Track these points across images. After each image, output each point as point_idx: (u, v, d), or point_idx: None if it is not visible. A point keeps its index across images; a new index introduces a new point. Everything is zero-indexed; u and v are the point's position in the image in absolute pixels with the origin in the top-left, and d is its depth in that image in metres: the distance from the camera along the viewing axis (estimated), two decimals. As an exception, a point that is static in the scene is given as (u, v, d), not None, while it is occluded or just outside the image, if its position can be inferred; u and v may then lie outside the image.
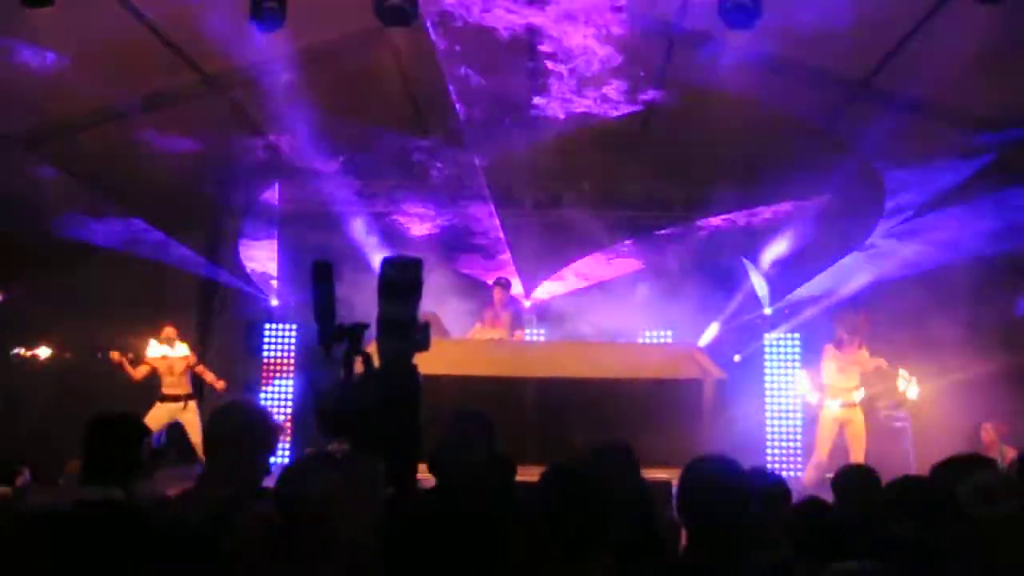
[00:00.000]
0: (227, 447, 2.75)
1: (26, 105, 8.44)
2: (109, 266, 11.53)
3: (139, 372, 9.01)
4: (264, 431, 2.83)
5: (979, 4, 6.61)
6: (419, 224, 11.91)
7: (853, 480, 3.85)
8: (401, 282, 2.92)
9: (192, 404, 9.00)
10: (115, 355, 8.98)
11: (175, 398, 8.95)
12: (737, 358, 10.92)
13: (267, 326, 11.62)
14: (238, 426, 2.77)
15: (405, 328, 2.91)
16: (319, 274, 2.97)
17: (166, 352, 9.09)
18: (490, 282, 10.79)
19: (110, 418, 3.15)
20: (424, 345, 2.93)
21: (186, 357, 9.19)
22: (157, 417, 8.74)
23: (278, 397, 11.27)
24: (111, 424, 3.12)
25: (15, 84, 7.99)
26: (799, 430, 10.86)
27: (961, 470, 2.85)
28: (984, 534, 2.43)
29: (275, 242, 12.04)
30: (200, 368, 9.28)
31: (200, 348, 10.83)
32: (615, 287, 11.55)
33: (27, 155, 9.12)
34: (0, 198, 9.24)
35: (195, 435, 8.68)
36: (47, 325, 10.88)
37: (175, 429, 9.06)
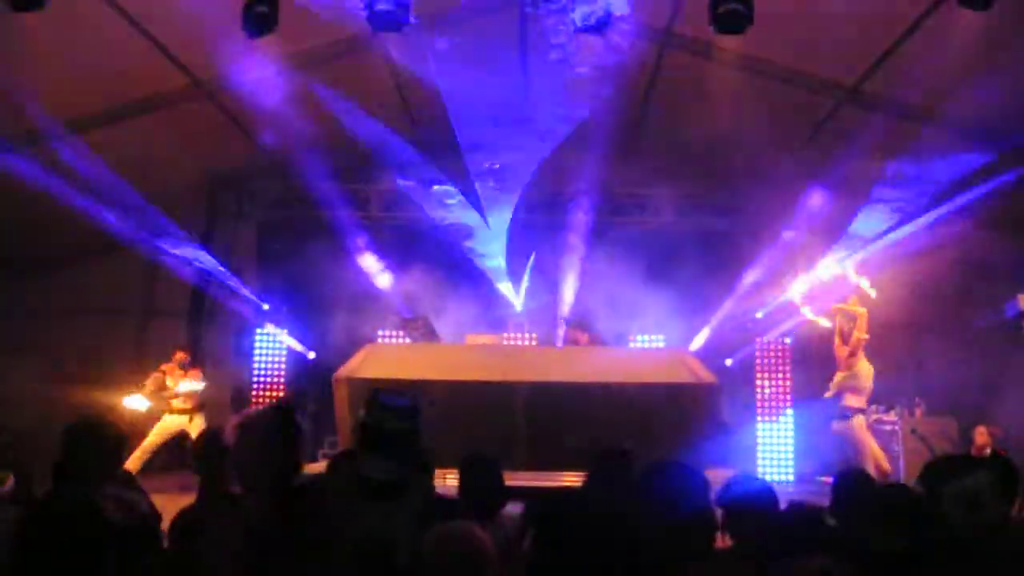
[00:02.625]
0: (255, 453, 2.54)
1: (18, 108, 8.40)
2: (100, 271, 11.52)
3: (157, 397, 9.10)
4: (293, 436, 2.62)
5: (967, 9, 6.64)
6: (410, 229, 11.90)
7: (849, 485, 3.82)
8: (390, 432, 2.22)
9: (198, 417, 9.15)
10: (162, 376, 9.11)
11: (182, 411, 9.14)
12: (728, 362, 10.99)
13: (258, 331, 11.59)
14: (267, 432, 2.58)
15: (391, 494, 2.13)
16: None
17: (191, 387, 9.23)
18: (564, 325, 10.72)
19: (89, 423, 3.13)
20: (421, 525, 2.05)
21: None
22: (167, 428, 9.06)
23: (268, 400, 11.23)
24: (89, 429, 3.10)
25: (5, 87, 7.95)
26: (791, 435, 10.90)
27: (949, 473, 2.79)
28: (964, 543, 2.39)
29: (266, 247, 12.02)
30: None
31: (191, 352, 10.85)
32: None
33: (18, 158, 9.07)
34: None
35: None
36: (37, 330, 10.85)
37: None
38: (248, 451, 2.52)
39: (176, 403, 9.19)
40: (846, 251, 9.71)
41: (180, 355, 9.43)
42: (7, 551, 2.17)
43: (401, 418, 2.31)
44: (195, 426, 9.01)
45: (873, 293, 8.48)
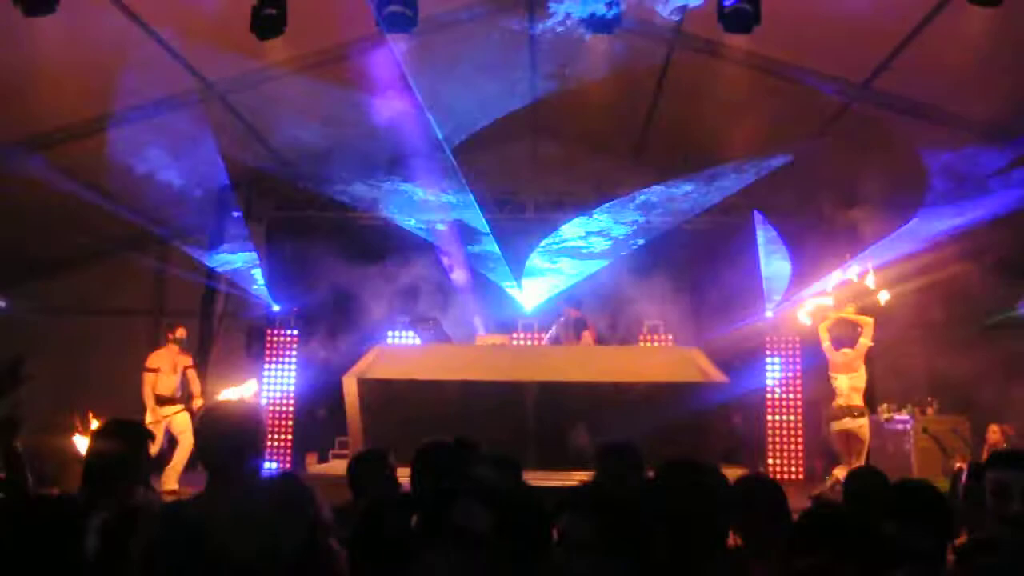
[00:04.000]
0: (218, 450, 2.62)
1: (29, 111, 8.45)
2: (111, 272, 11.58)
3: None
4: (254, 433, 2.70)
5: (978, 7, 6.61)
6: (420, 229, 11.91)
7: (863, 484, 3.81)
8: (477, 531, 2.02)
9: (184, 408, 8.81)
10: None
11: (171, 400, 8.77)
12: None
13: (268, 331, 11.60)
14: (228, 428, 2.65)
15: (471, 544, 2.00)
16: None
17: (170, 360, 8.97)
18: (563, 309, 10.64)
19: (117, 424, 3.16)
20: None
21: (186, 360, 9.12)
22: (155, 423, 8.57)
23: (279, 402, 11.24)
24: (118, 430, 3.12)
25: (18, 90, 8.00)
26: (800, 434, 10.85)
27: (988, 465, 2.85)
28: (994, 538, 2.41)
29: (276, 247, 12.04)
30: (192, 374, 9.17)
31: (201, 352, 10.92)
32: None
33: (29, 160, 9.13)
34: (2, 205, 9.29)
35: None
36: (49, 330, 10.90)
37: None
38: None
39: (163, 388, 8.69)
40: (861, 254, 9.69)
41: (181, 331, 9.04)
42: None
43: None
44: (181, 418, 8.62)
45: (883, 300, 8.79)
